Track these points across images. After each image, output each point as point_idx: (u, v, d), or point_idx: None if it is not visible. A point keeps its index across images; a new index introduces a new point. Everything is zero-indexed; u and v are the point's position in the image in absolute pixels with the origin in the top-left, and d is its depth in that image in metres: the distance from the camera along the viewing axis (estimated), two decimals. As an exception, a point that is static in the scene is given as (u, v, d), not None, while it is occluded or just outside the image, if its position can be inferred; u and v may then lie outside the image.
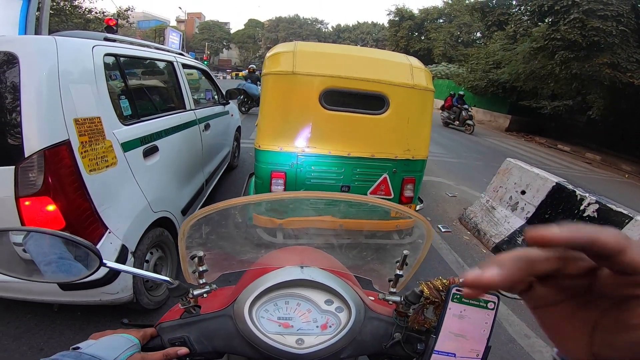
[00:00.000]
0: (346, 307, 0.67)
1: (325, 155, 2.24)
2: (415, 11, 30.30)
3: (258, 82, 9.79)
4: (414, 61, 2.41)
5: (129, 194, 1.77)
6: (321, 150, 2.23)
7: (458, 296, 0.58)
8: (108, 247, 1.57)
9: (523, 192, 3.40)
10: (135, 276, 1.71)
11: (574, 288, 0.25)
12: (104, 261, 0.61)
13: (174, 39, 19.74)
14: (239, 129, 4.89)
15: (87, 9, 15.28)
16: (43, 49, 1.42)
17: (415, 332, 0.67)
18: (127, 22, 19.14)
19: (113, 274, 1.59)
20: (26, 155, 1.33)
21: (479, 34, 23.51)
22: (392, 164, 2.33)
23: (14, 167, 1.34)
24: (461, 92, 12.44)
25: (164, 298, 2.06)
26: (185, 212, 2.41)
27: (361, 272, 0.83)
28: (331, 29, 53.92)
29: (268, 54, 2.39)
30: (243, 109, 9.68)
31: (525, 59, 12.27)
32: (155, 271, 1.95)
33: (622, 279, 0.22)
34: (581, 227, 0.21)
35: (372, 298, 0.77)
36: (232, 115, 4.41)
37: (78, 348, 0.53)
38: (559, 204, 3.04)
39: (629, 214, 2.49)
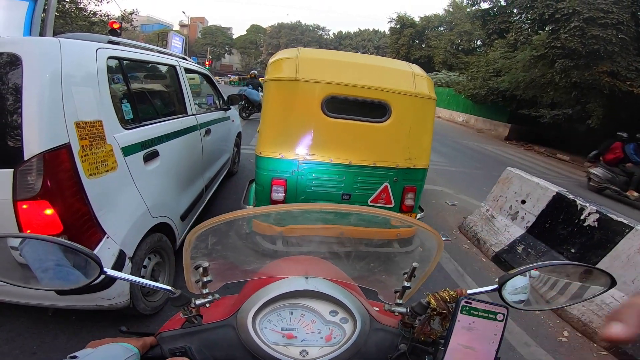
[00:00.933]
0: (351, 318, 0.66)
1: (326, 163, 2.23)
2: (417, 19, 30.73)
3: (259, 88, 9.84)
4: (417, 69, 2.42)
5: (128, 199, 1.75)
6: (322, 158, 2.22)
7: (467, 308, 0.58)
8: (106, 253, 1.55)
9: (523, 202, 3.40)
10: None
11: None
12: (105, 269, 0.60)
13: (176, 43, 19.85)
14: (239, 134, 4.89)
15: (92, 12, 15.35)
16: (47, 50, 1.41)
17: (421, 343, 0.66)
18: (131, 25, 19.27)
19: (110, 279, 1.56)
20: (25, 158, 1.31)
21: (479, 42, 23.73)
22: (393, 173, 2.32)
23: (12, 170, 1.32)
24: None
25: (161, 304, 2.02)
26: (184, 217, 2.39)
27: (366, 283, 0.82)
28: (332, 36, 54.40)
29: (271, 60, 2.39)
30: (244, 114, 9.72)
31: (526, 67, 12.36)
32: (152, 277, 1.92)
33: None
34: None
35: (377, 309, 0.76)
36: (233, 120, 4.43)
37: (75, 357, 0.51)
38: (559, 214, 3.03)
39: (630, 224, 2.48)
